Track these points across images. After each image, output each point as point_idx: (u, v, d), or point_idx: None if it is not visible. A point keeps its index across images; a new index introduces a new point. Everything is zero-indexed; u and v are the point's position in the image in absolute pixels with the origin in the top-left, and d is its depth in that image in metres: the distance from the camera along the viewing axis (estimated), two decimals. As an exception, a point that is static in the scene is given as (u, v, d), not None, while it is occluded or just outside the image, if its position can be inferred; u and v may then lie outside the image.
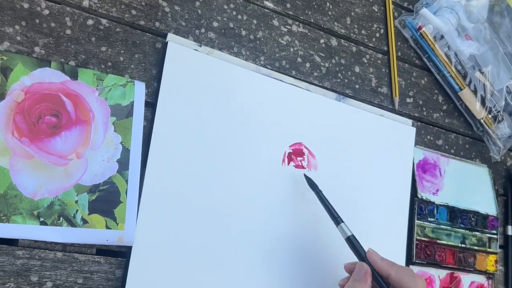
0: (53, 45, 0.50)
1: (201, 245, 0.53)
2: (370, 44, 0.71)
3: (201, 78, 0.55)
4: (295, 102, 0.61)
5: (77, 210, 0.47)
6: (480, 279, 0.74)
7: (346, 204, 0.63)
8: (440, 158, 0.74)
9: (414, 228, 0.68)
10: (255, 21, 0.62)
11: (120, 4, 0.54)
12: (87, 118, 0.49)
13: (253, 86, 0.59)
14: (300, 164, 0.61)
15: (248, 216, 0.56)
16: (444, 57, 0.75)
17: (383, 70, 0.72)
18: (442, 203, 0.72)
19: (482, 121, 0.77)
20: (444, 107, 0.77)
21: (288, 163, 0.60)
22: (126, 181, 0.50)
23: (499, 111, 0.78)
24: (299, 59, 0.64)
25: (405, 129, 0.70)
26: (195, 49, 0.56)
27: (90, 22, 0.52)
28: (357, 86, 0.69)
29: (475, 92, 0.77)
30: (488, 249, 0.75)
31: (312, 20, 0.67)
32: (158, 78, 0.54)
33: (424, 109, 0.75)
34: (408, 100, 0.73)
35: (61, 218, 0.47)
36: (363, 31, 0.71)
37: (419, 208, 0.69)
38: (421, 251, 0.68)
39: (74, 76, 0.49)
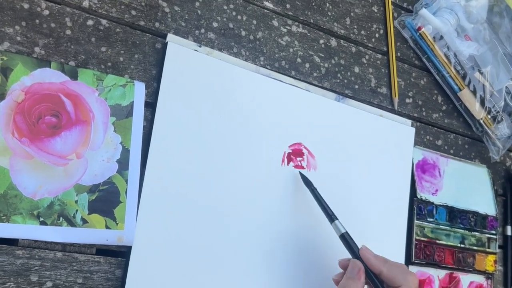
0: (53, 45, 0.50)
1: (200, 245, 0.53)
2: (370, 45, 0.71)
3: (200, 78, 0.56)
4: (295, 102, 0.62)
5: (77, 210, 0.47)
6: (479, 279, 0.74)
7: (346, 204, 0.63)
8: (440, 159, 0.74)
9: (413, 228, 0.68)
10: (254, 22, 0.62)
11: (120, 5, 0.54)
12: (87, 118, 0.49)
13: (252, 87, 0.59)
14: (300, 164, 0.61)
15: (248, 216, 0.56)
16: (443, 57, 0.75)
17: (383, 70, 0.72)
18: (441, 203, 0.72)
19: (481, 121, 0.77)
20: (444, 108, 0.77)
21: (288, 163, 0.60)
22: (126, 181, 0.50)
23: (498, 112, 0.78)
24: (299, 60, 0.65)
25: (405, 129, 0.71)
26: (195, 50, 0.56)
27: (90, 22, 0.52)
28: (356, 87, 0.69)
29: (474, 92, 0.77)
30: (487, 249, 0.75)
31: (311, 21, 0.67)
32: (158, 78, 0.54)
33: (423, 109, 0.75)
34: (407, 100, 0.73)
35: (61, 218, 0.47)
36: (362, 32, 0.71)
37: (418, 208, 0.70)
38: (420, 251, 0.68)
39: (74, 76, 0.49)
